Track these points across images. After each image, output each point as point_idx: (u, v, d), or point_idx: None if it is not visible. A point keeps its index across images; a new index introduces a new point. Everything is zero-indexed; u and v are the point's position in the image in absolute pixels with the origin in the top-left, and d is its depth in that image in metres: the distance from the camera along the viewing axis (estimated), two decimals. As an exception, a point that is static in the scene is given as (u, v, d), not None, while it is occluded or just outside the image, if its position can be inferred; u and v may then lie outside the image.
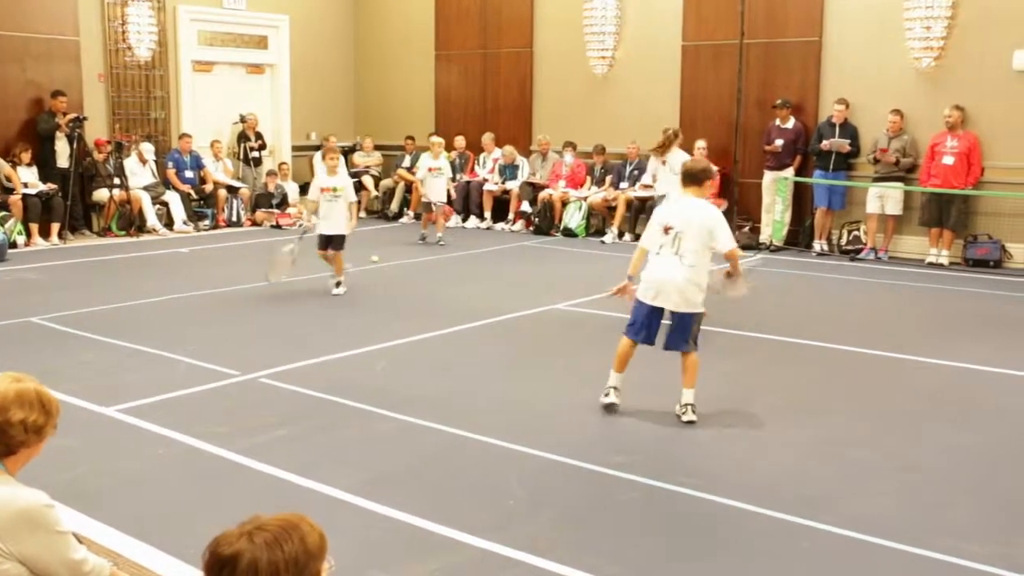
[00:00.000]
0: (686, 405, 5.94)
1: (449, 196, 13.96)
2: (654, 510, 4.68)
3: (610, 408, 6.06)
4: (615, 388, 6.09)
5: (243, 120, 15.73)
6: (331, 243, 9.66)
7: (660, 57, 14.18)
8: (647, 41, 14.36)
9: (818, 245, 12.86)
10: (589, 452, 5.35)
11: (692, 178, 6.03)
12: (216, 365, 6.99)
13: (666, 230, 5.94)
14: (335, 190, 9.72)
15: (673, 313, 5.97)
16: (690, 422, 5.88)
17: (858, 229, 12.75)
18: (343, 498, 4.71)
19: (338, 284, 9.66)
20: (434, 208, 13.22)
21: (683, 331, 5.99)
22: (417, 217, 14.86)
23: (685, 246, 5.87)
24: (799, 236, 13.14)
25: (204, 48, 15.67)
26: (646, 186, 13.46)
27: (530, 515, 4.58)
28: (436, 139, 13.63)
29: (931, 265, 11.78)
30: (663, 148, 10.00)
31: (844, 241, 12.83)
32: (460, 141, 15.80)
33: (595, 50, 14.78)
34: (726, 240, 5.96)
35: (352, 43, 17.74)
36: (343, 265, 9.75)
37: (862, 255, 12.39)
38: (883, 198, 12.28)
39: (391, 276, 10.89)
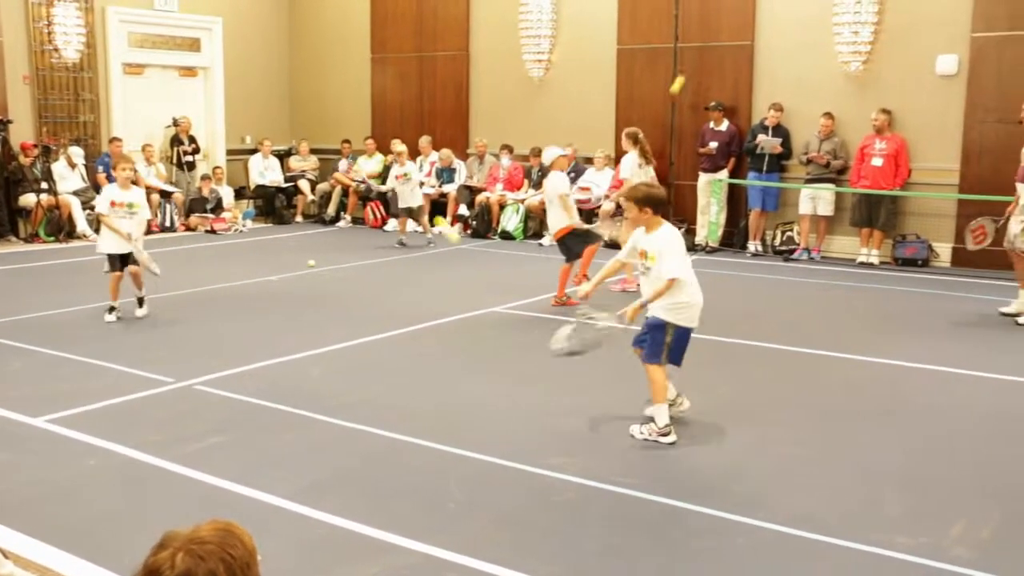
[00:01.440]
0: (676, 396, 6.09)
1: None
2: (591, 510, 4.70)
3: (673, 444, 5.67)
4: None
5: (176, 124, 15.50)
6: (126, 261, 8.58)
7: (595, 60, 14.28)
8: (583, 44, 14.45)
9: (752, 246, 13.05)
10: (527, 454, 5.36)
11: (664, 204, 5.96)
12: (149, 373, 6.88)
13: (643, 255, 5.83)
14: (130, 206, 8.53)
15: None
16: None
17: (791, 230, 12.96)
18: (280, 505, 4.67)
19: (140, 303, 8.77)
20: (402, 215, 13.44)
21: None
22: (356, 221, 14.79)
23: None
24: (734, 237, 13.32)
25: (135, 50, 15.42)
26: (583, 188, 13.56)
27: (468, 517, 4.59)
28: (400, 147, 13.73)
29: (862, 264, 12.03)
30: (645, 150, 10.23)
31: (778, 242, 13.04)
32: (396, 144, 15.73)
33: (531, 53, 14.84)
34: (668, 268, 5.70)
35: (287, 46, 17.59)
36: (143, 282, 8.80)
37: (795, 255, 12.60)
38: (815, 199, 12.51)
39: (328, 280, 10.82)
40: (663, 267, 5.68)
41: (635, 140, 10.32)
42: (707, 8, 13.27)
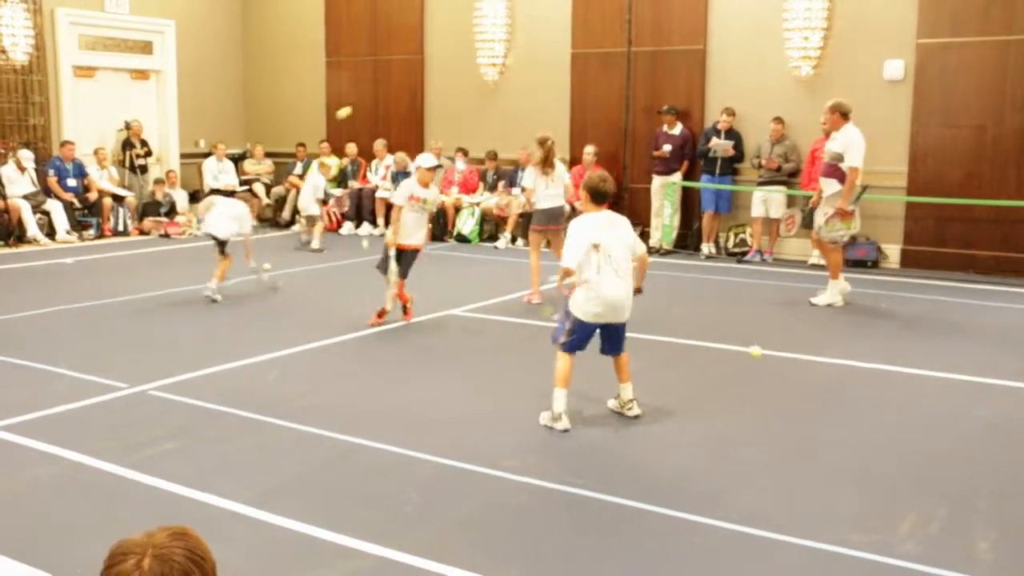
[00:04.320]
0: (631, 400, 6.10)
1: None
2: (548, 512, 4.73)
3: (565, 431, 5.84)
4: (563, 412, 5.91)
5: (128, 127, 15.33)
6: None
7: (550, 64, 14.33)
8: (537, 48, 14.50)
9: (706, 248, 13.17)
10: (483, 456, 5.37)
11: (603, 196, 6.06)
12: (102, 378, 6.80)
13: (595, 247, 5.87)
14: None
15: (611, 325, 6.01)
16: (636, 416, 6.07)
17: (744, 232, 13.10)
18: (237, 510, 4.63)
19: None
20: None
21: (621, 337, 6.12)
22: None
23: (618, 260, 5.89)
24: (688, 239, 13.43)
25: (86, 53, 15.20)
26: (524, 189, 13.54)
27: (426, 520, 4.58)
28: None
29: (813, 266, 12.16)
30: (548, 161, 9.87)
31: (731, 244, 13.17)
32: (352, 148, 15.71)
33: (486, 57, 14.86)
34: (640, 244, 6.19)
35: (241, 49, 17.45)
36: None
37: (748, 257, 12.73)
38: (767, 202, 12.65)
39: (283, 284, 10.74)
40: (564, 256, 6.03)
41: (540, 145, 9.94)
42: (659, 13, 13.37)
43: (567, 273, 5.94)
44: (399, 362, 7.59)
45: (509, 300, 9.87)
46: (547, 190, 9.88)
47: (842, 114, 9.56)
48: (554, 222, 9.90)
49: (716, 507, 4.72)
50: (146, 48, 16.11)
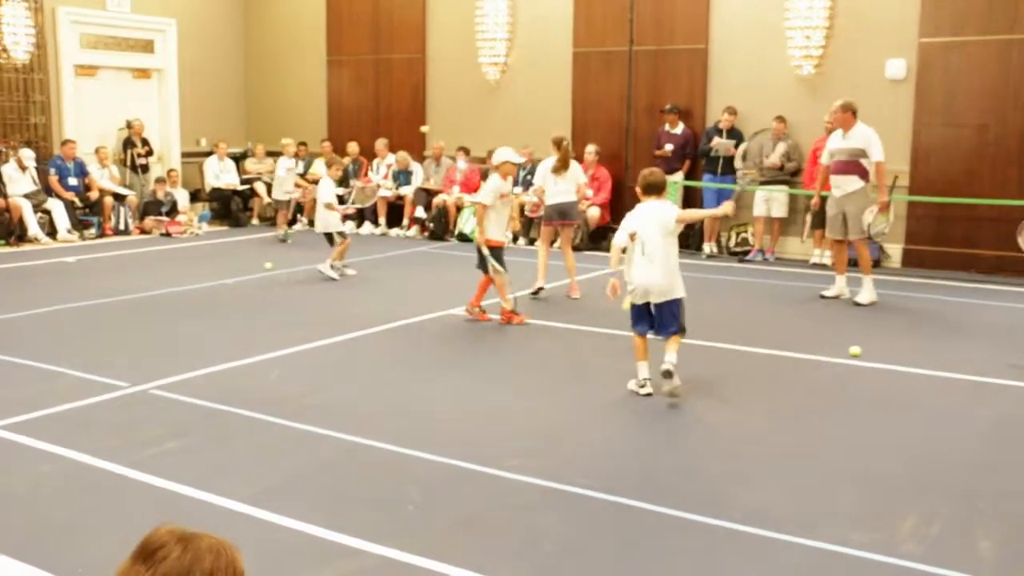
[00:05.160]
0: (669, 369, 6.39)
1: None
2: (549, 511, 4.73)
3: (648, 395, 6.47)
4: (648, 379, 6.53)
5: (129, 126, 15.37)
6: None
7: (551, 63, 14.34)
8: (538, 47, 14.51)
9: (707, 247, 13.17)
10: (484, 456, 5.37)
11: (649, 187, 6.68)
12: (104, 377, 6.81)
13: (632, 237, 6.50)
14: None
15: (657, 304, 6.54)
16: (673, 389, 6.41)
17: (746, 231, 13.10)
18: (239, 509, 4.64)
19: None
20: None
21: (665, 317, 6.55)
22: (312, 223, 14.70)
23: (651, 247, 6.45)
24: (689, 239, 13.40)
25: (87, 51, 15.23)
26: (536, 193, 13.59)
27: (427, 520, 4.59)
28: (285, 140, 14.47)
29: (815, 266, 12.18)
30: (564, 161, 9.93)
31: (733, 243, 13.17)
32: (353, 147, 15.71)
33: (487, 56, 14.87)
34: (679, 215, 6.71)
35: (242, 48, 17.47)
36: None
37: (750, 257, 12.73)
38: (769, 201, 12.65)
39: (285, 283, 10.76)
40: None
41: (556, 146, 9.98)
42: (661, 12, 13.38)
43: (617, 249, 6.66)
44: (399, 361, 7.59)
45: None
46: (556, 186, 9.95)
47: (853, 112, 9.69)
48: (564, 217, 9.95)
49: (717, 506, 4.72)
50: (147, 47, 16.12)
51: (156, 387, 6.62)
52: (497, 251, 8.82)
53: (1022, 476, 5.26)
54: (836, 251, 10.35)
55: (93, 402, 6.32)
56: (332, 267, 10.83)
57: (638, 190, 6.79)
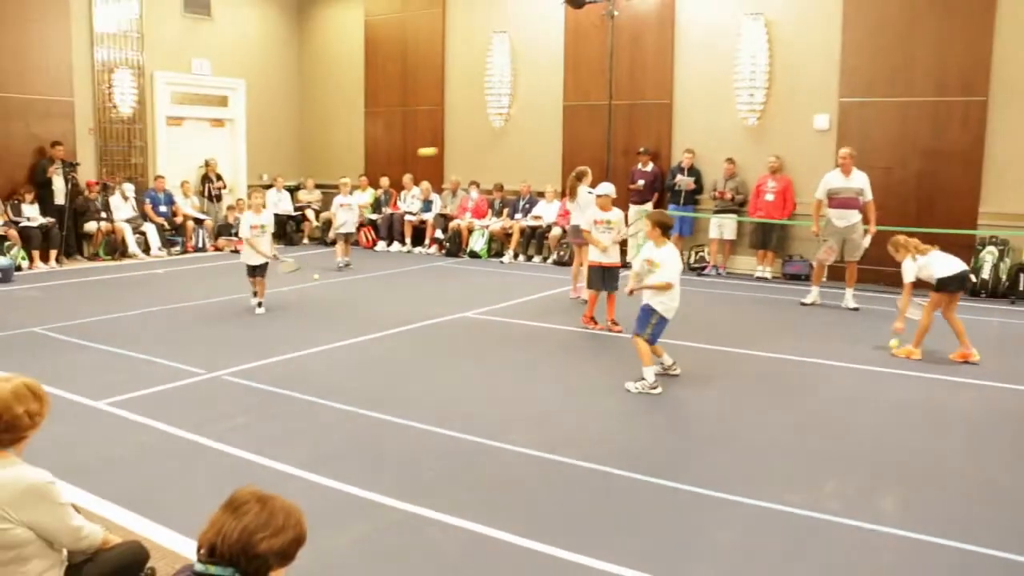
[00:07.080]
0: (672, 364, 6.76)
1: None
2: (544, 477, 4.74)
3: (660, 393, 6.32)
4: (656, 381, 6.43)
5: (207, 164, 15.47)
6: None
7: (546, 114, 14.37)
8: (536, 101, 14.54)
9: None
10: (496, 432, 5.39)
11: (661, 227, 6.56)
12: (186, 365, 6.84)
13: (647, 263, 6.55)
14: (262, 227, 9.10)
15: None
16: (678, 374, 6.73)
17: (703, 250, 13.10)
18: (292, 472, 4.66)
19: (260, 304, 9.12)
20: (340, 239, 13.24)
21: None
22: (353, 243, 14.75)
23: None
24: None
25: (176, 106, 15.32)
26: (536, 217, 13.66)
27: (448, 484, 4.60)
28: (343, 179, 13.45)
29: (758, 279, 12.18)
30: (573, 190, 9.87)
31: (692, 260, 13.16)
32: (384, 180, 15.75)
33: (494, 107, 14.91)
34: (667, 275, 6.45)
35: (298, 101, 17.52)
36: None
37: (706, 271, 12.73)
38: (722, 226, 12.65)
39: (329, 292, 10.78)
40: (663, 273, 6.41)
41: (578, 178, 9.92)
42: (635, 73, 13.41)
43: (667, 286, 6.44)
44: (424, 354, 7.60)
45: (513, 305, 9.89)
46: (573, 213, 10.06)
47: (853, 158, 9.94)
48: (579, 236, 9.84)
49: (679, 472, 4.74)
50: (223, 102, 16.19)
51: (227, 374, 6.65)
52: (612, 271, 8.52)
53: (920, 449, 5.27)
54: (819, 267, 10.18)
55: (178, 385, 6.36)
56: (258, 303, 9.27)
57: (659, 230, 6.51)
